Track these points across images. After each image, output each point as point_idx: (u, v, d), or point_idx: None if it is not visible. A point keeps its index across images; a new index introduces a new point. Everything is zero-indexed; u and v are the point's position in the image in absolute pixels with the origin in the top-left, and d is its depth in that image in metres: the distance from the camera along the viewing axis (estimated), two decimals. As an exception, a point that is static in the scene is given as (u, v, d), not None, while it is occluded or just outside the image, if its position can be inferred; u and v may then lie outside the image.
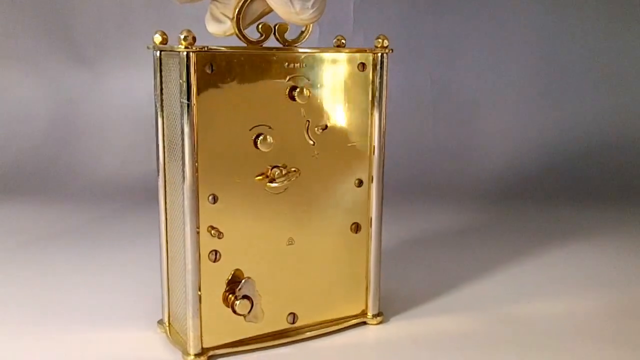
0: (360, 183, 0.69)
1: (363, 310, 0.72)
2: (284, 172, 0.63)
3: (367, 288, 0.72)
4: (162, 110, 0.62)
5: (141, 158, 1.53)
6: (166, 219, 0.65)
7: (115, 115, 1.59)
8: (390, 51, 0.68)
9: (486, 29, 1.56)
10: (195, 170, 0.59)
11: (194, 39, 0.56)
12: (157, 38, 0.61)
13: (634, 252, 1.00)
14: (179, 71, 0.57)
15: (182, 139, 0.58)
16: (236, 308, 0.62)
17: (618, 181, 1.43)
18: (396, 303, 0.78)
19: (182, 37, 0.56)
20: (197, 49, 0.57)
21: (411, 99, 1.57)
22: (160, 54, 0.61)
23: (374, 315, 0.72)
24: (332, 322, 0.70)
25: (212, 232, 0.61)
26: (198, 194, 0.59)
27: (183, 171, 0.59)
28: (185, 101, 0.57)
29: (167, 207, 0.65)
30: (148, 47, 0.61)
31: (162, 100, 0.62)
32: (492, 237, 1.08)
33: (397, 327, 0.72)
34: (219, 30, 0.61)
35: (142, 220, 1.18)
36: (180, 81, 0.57)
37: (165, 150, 0.63)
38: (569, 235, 1.08)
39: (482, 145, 1.54)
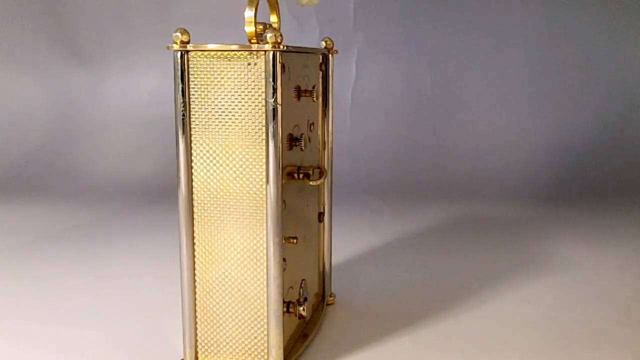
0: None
1: (317, 293, 0.75)
2: (318, 170, 0.62)
3: (323, 271, 0.75)
4: (188, 118, 0.57)
5: (141, 158, 1.53)
6: (193, 240, 0.60)
7: (115, 116, 1.59)
8: (335, 52, 0.71)
9: (486, 29, 1.56)
10: (281, 176, 0.56)
11: (282, 37, 0.54)
12: (179, 37, 0.55)
13: (635, 252, 1.00)
14: (266, 72, 0.54)
15: (267, 143, 0.55)
16: (303, 313, 0.61)
17: (618, 181, 1.43)
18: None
19: (268, 36, 0.53)
20: (282, 49, 0.54)
21: (411, 99, 1.57)
22: (183, 54, 0.56)
23: (330, 295, 0.77)
24: (316, 308, 0.73)
25: (284, 239, 0.58)
26: (282, 201, 0.57)
27: (267, 177, 0.55)
28: (273, 103, 0.54)
29: (201, 225, 0.59)
30: (168, 47, 0.56)
31: (189, 106, 0.57)
32: (492, 236, 1.08)
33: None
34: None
35: (141, 221, 1.18)
36: (273, 84, 0.54)
37: (198, 160, 0.58)
38: (569, 235, 1.08)
39: (482, 145, 1.54)
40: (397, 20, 1.57)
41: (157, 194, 1.39)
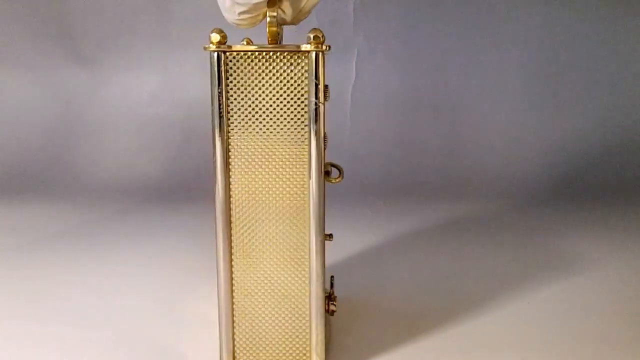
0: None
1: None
2: (335, 169, 0.62)
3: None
4: (225, 119, 0.56)
5: (141, 158, 1.53)
6: (230, 242, 0.59)
7: (116, 116, 1.59)
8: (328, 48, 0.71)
9: (486, 29, 1.56)
10: (323, 175, 0.57)
11: (324, 37, 0.54)
12: (216, 37, 0.54)
13: (635, 252, 1.00)
14: (309, 71, 0.55)
15: (310, 142, 0.56)
16: (334, 308, 0.61)
17: (620, 181, 1.43)
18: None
19: (312, 36, 0.54)
20: (324, 49, 0.54)
21: (411, 99, 1.57)
22: (220, 55, 0.55)
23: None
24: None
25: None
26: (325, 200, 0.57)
27: (310, 175, 0.56)
28: (317, 102, 0.55)
29: (239, 226, 0.58)
30: (205, 48, 0.55)
31: (226, 107, 0.56)
32: (492, 236, 1.08)
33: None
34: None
35: (142, 222, 1.18)
36: (316, 82, 0.55)
37: (235, 163, 0.57)
38: (570, 236, 1.08)
39: (482, 146, 1.54)
40: (397, 20, 1.57)
41: (157, 194, 1.39)
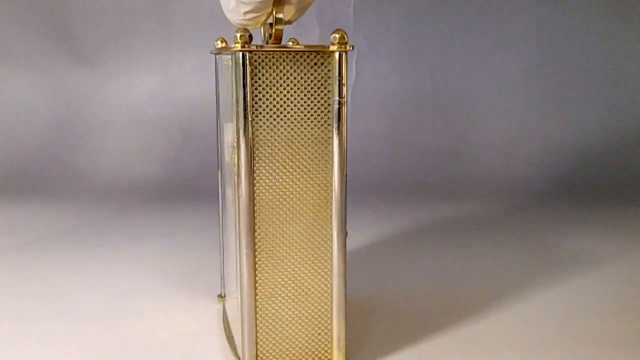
0: None
1: None
2: None
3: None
4: (250, 118, 0.56)
5: (141, 158, 1.53)
6: (254, 244, 0.58)
7: (116, 116, 1.59)
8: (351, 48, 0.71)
9: (487, 29, 1.56)
10: (345, 174, 0.58)
11: (347, 37, 0.55)
12: (245, 37, 0.54)
13: (635, 251, 1.00)
14: (334, 70, 0.56)
15: (332, 142, 0.57)
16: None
17: (620, 181, 1.43)
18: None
19: (337, 37, 0.55)
20: (348, 49, 0.56)
21: (411, 99, 1.57)
22: (245, 55, 0.54)
23: None
24: None
25: None
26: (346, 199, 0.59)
27: (333, 174, 0.57)
28: (340, 100, 0.56)
29: (263, 227, 0.58)
30: (230, 48, 0.55)
31: (251, 107, 0.55)
32: (492, 236, 1.08)
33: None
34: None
35: (142, 221, 1.18)
36: (339, 79, 0.56)
37: (260, 164, 0.57)
38: (571, 236, 1.08)
39: (482, 146, 1.54)
40: (397, 20, 1.57)
41: (157, 194, 1.39)
